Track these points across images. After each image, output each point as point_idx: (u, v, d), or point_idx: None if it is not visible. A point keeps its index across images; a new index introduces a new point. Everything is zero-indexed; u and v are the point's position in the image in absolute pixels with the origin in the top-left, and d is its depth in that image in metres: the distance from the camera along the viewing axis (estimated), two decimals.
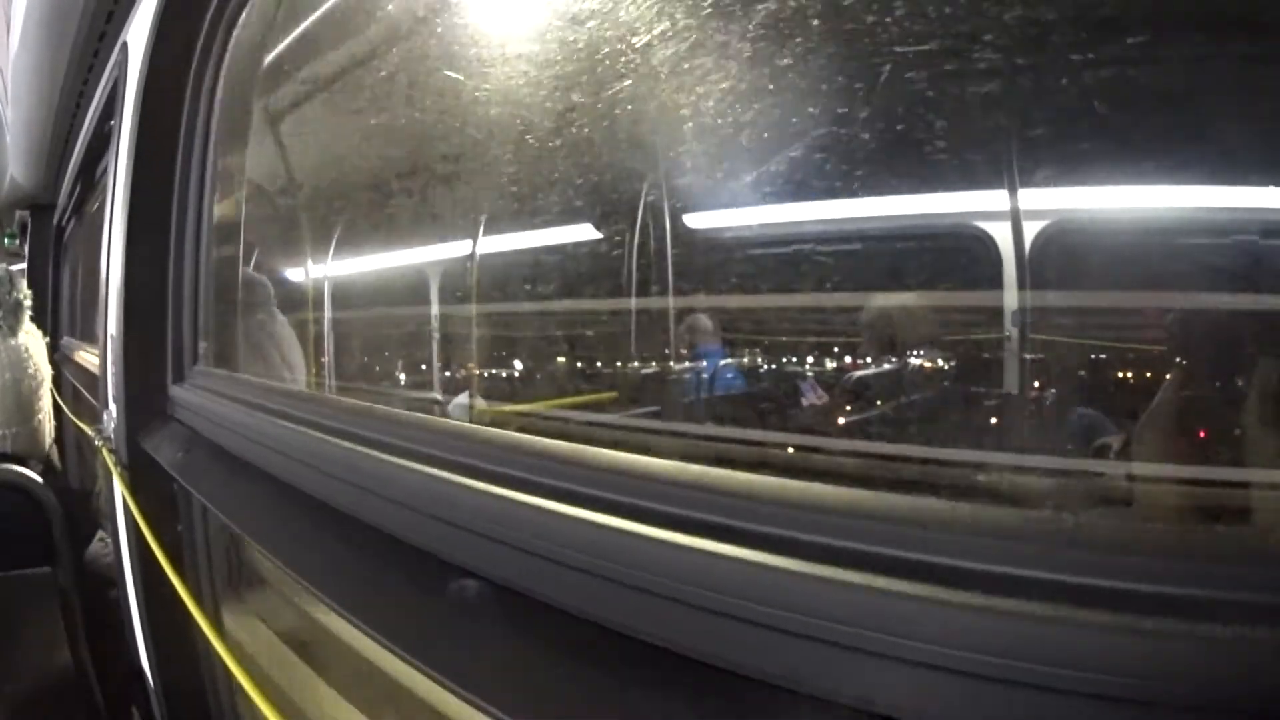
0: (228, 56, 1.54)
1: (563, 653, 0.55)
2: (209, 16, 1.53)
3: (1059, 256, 2.16)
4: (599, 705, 0.51)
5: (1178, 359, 1.72)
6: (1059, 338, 2.10)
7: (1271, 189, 1.70)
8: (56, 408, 3.15)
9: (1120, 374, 1.93)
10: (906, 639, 0.40)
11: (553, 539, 0.57)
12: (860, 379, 2.33)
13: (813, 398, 2.44)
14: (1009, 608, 0.38)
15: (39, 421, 2.75)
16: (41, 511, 2.36)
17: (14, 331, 2.65)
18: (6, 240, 5.79)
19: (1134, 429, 1.74)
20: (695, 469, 0.54)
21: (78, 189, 4.06)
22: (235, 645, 1.25)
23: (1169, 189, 1.80)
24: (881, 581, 0.42)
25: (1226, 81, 1.69)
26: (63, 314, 5.00)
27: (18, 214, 5.36)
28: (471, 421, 3.22)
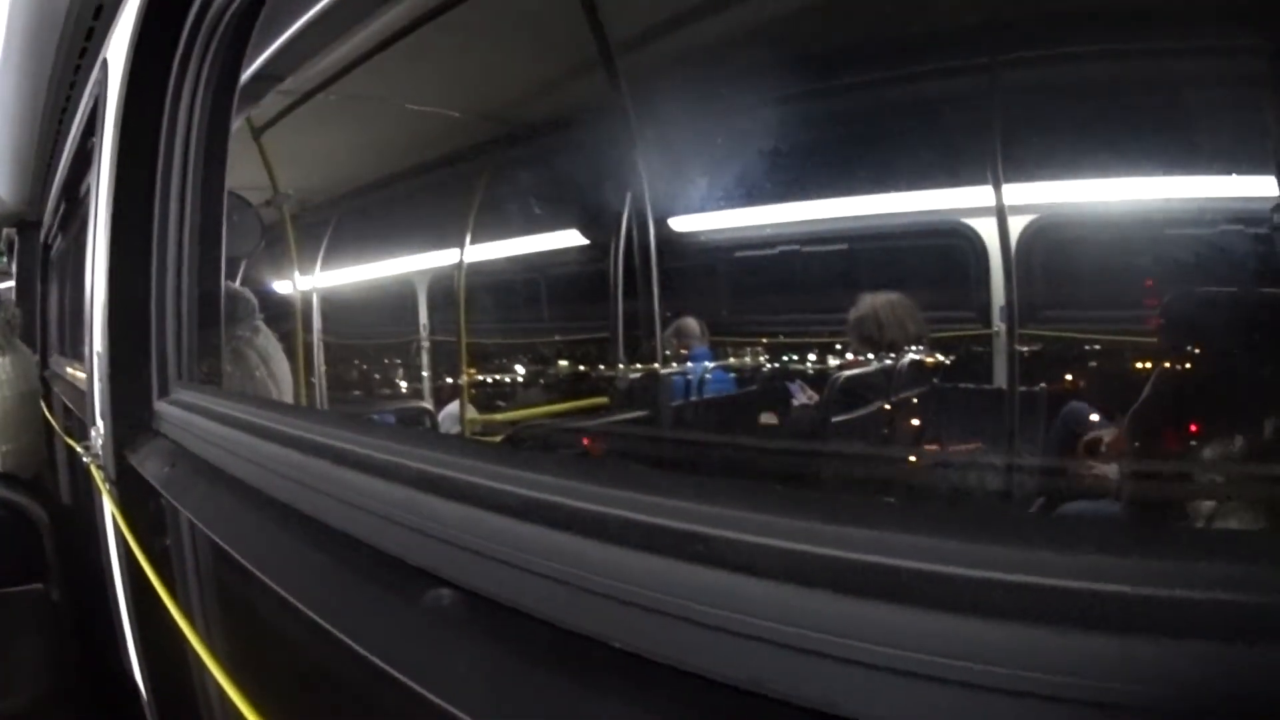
0: (206, 70, 1.54)
1: (534, 659, 0.55)
2: (186, 31, 1.54)
3: (1045, 252, 2.17)
4: (570, 710, 0.51)
5: (1167, 352, 1.73)
6: (1047, 332, 2.11)
7: (1256, 180, 1.71)
8: (46, 425, 3.15)
9: (1109, 368, 1.94)
10: (870, 643, 0.40)
11: (523, 548, 0.58)
12: (848, 379, 2.34)
13: (801, 398, 2.45)
14: (973, 610, 0.38)
15: (29, 439, 2.75)
16: (32, 528, 2.36)
17: (3, 350, 2.66)
18: None
19: (1122, 423, 1.75)
20: (663, 476, 0.54)
21: (63, 206, 4.06)
22: (225, 658, 1.25)
23: (1151, 181, 1.81)
24: (845, 585, 0.42)
25: (1209, 76, 1.70)
26: (51, 331, 4.99)
27: (4, 232, 5.36)
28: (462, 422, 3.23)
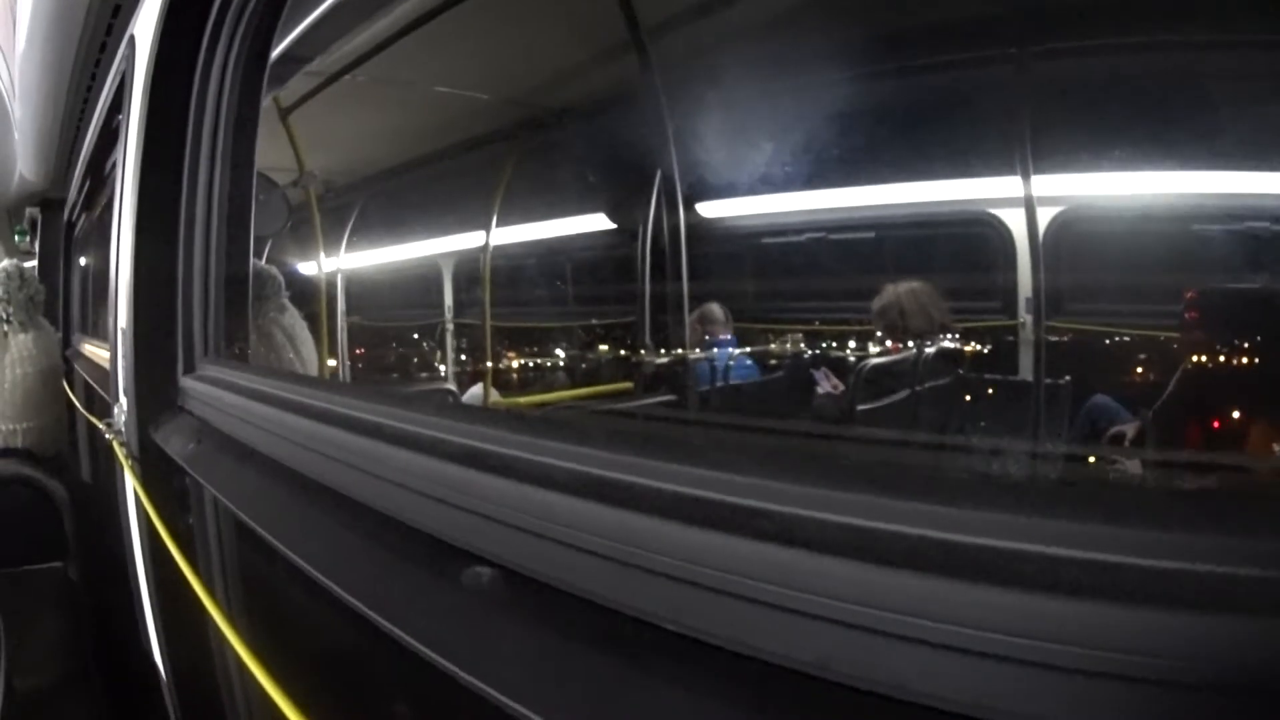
0: (236, 47, 1.53)
1: (582, 641, 0.54)
2: (216, 7, 1.52)
3: (1072, 243, 2.15)
4: (622, 696, 0.50)
5: (1196, 347, 1.71)
6: (1073, 324, 2.09)
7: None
8: (68, 403, 3.16)
9: (1136, 362, 1.92)
10: (938, 622, 0.39)
11: (572, 524, 0.56)
12: (877, 367, 2.32)
13: (826, 386, 2.43)
14: (1047, 588, 0.37)
15: (52, 416, 2.75)
16: (53, 507, 2.37)
17: (25, 327, 2.66)
18: (17, 237, 5.82)
19: (1148, 417, 1.73)
20: (722, 448, 0.53)
21: (87, 184, 4.07)
22: (249, 638, 1.24)
23: (1181, 176, 1.78)
24: (915, 562, 0.40)
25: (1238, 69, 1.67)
26: (74, 310, 5.01)
27: (27, 211, 5.37)
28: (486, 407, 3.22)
